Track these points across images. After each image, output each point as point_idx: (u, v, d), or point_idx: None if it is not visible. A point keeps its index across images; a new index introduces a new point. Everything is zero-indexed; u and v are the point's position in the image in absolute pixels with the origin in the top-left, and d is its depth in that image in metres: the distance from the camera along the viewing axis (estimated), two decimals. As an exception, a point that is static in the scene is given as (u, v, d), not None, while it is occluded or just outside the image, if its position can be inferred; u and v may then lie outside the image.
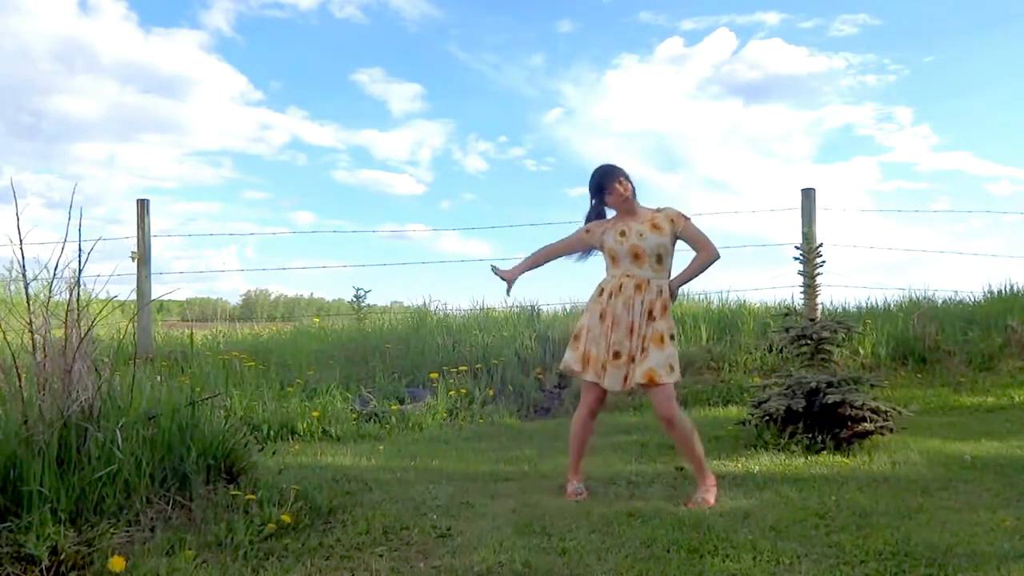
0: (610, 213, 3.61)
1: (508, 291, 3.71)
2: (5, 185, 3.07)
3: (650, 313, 3.34)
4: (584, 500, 3.36)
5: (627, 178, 3.49)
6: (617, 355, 3.35)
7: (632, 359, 3.34)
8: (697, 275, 3.49)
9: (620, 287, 3.39)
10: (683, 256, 3.51)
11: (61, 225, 3.22)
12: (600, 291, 3.47)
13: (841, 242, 8.12)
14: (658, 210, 3.50)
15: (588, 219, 3.63)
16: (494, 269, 3.73)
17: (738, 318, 7.69)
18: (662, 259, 3.41)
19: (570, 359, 3.47)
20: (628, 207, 3.48)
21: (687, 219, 3.47)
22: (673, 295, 3.45)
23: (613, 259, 3.46)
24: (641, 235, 3.40)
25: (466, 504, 3.27)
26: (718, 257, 3.46)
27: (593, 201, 3.58)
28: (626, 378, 3.36)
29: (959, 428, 5.05)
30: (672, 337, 3.37)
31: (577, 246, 3.64)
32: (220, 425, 3.20)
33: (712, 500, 3.27)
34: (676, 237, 3.45)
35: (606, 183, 3.47)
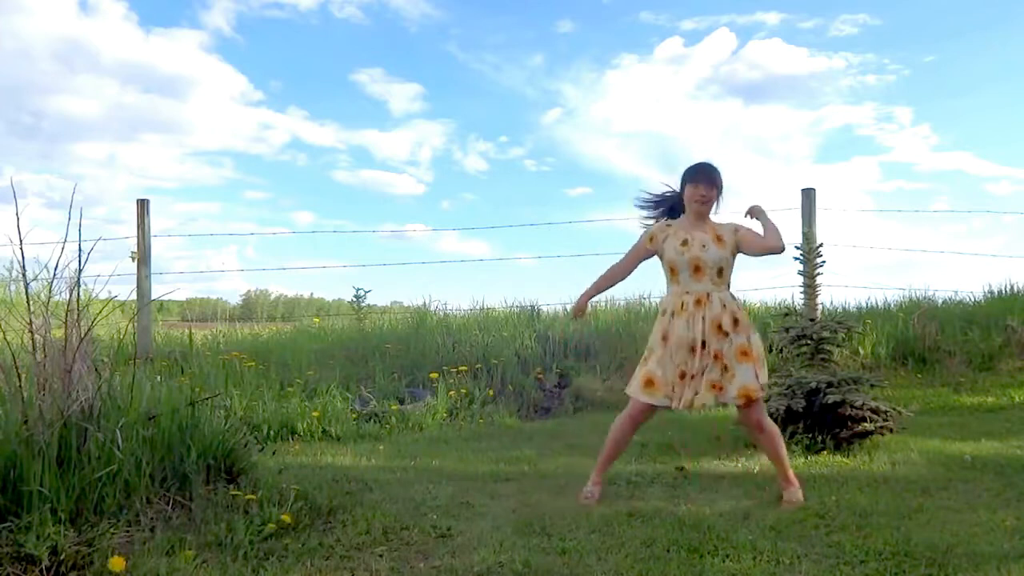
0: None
1: (578, 317, 3.59)
2: (5, 185, 3.08)
3: (719, 327, 3.18)
4: (590, 503, 3.30)
5: (711, 185, 3.31)
6: (683, 375, 3.20)
7: (695, 377, 3.18)
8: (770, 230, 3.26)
9: (682, 305, 3.23)
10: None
11: (61, 225, 3.22)
12: (662, 311, 3.31)
13: (841, 242, 8.13)
14: (720, 224, 3.34)
15: (656, 205, 3.44)
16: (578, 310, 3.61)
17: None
18: (723, 272, 3.25)
19: (634, 384, 3.30)
20: (704, 214, 3.32)
21: (742, 226, 3.33)
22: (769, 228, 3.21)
23: (672, 271, 3.29)
24: (704, 247, 3.23)
25: (466, 504, 3.27)
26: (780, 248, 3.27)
27: (679, 193, 3.36)
28: (693, 397, 3.18)
29: (959, 428, 5.05)
30: (756, 348, 3.21)
31: (642, 256, 3.41)
32: (220, 425, 3.21)
33: (803, 497, 3.24)
34: (737, 248, 3.29)
35: (721, 182, 3.30)
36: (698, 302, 3.21)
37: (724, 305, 3.22)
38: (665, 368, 3.22)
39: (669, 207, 3.47)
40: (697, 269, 3.23)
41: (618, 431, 3.39)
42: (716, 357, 3.18)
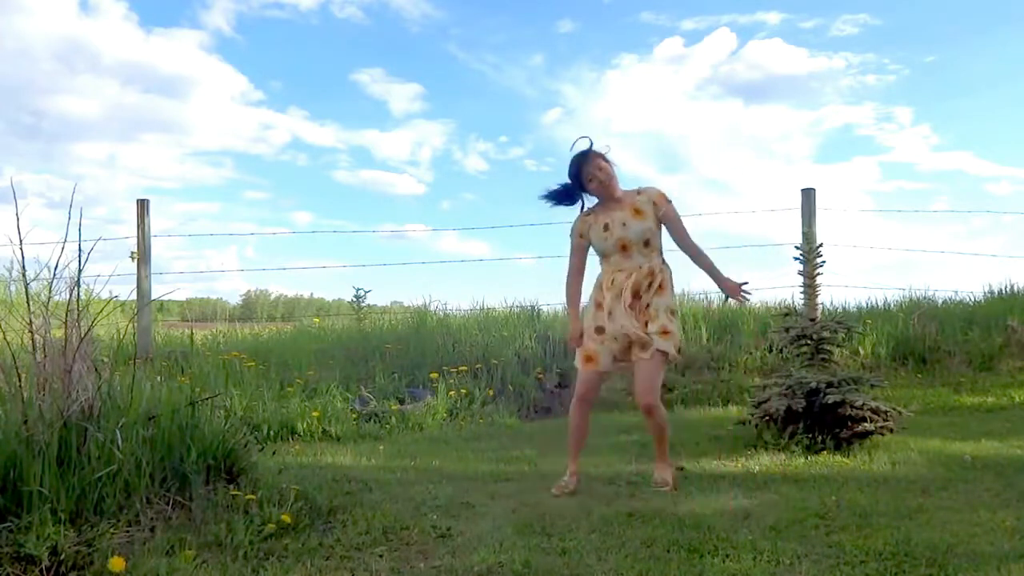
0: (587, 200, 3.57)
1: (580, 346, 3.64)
2: (5, 185, 3.07)
3: (636, 293, 3.34)
4: (570, 495, 3.40)
5: (606, 159, 3.43)
6: (600, 330, 3.39)
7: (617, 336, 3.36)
8: (715, 270, 3.47)
9: (612, 281, 3.40)
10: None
11: (61, 225, 3.21)
12: (597, 286, 3.49)
13: (841, 242, 8.13)
14: (639, 192, 3.45)
15: (555, 197, 3.54)
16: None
17: (738, 318, 7.70)
18: (650, 242, 3.39)
19: (576, 359, 3.53)
20: (610, 192, 3.42)
21: (669, 202, 3.44)
22: (734, 290, 3.40)
23: (603, 255, 3.47)
24: (624, 224, 3.37)
25: (466, 504, 3.27)
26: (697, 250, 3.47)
27: (573, 189, 3.51)
28: (614, 357, 3.39)
29: (959, 428, 5.05)
30: (673, 312, 3.38)
31: (584, 250, 3.58)
32: (220, 425, 3.20)
33: (670, 480, 3.45)
34: (660, 221, 3.42)
35: (585, 168, 3.41)
36: (629, 275, 3.37)
37: (650, 272, 3.36)
38: (593, 337, 3.42)
39: (571, 198, 3.56)
40: (624, 248, 3.38)
41: (572, 415, 3.57)
42: (629, 347, 3.38)
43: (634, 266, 3.36)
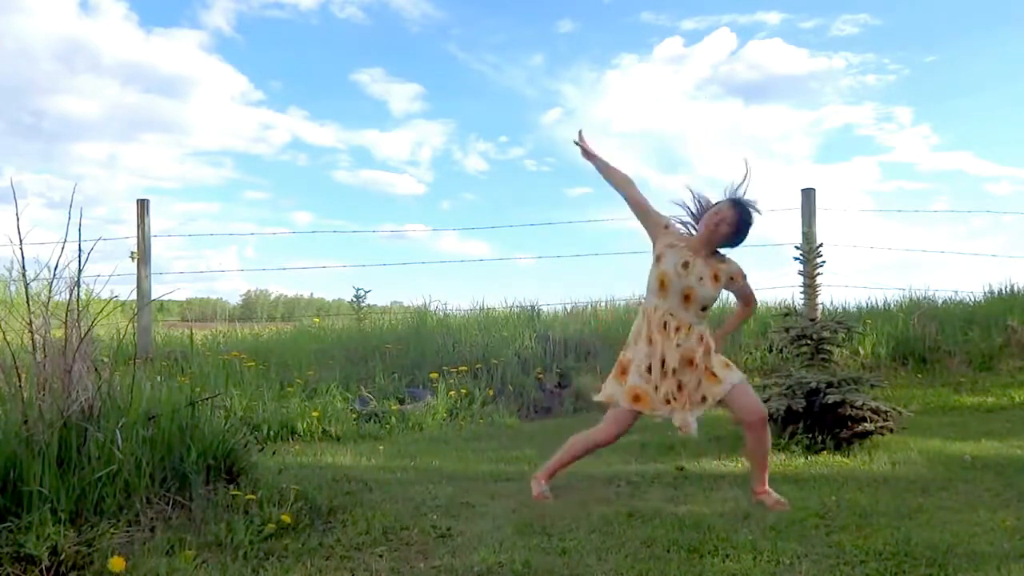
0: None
1: (579, 140, 3.43)
2: (5, 185, 3.07)
3: (691, 362, 3.19)
4: (551, 501, 3.29)
5: (736, 228, 3.25)
6: (650, 369, 3.22)
7: (671, 401, 3.21)
8: (737, 328, 3.46)
9: (664, 325, 3.21)
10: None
11: (61, 225, 3.22)
12: (647, 321, 3.26)
13: (841, 242, 8.13)
14: (723, 261, 3.28)
15: (694, 214, 3.35)
16: (581, 145, 3.40)
17: (738, 318, 7.69)
18: (706, 309, 3.27)
19: (616, 393, 3.28)
20: (712, 246, 3.26)
21: (744, 278, 3.33)
22: (718, 346, 3.30)
23: (662, 285, 3.22)
24: (701, 279, 3.19)
25: (466, 504, 3.27)
26: (754, 312, 3.45)
27: (709, 210, 3.28)
28: (683, 415, 3.21)
29: (959, 428, 5.05)
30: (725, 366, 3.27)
31: (651, 218, 3.34)
32: (220, 425, 3.20)
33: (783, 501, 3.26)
34: (728, 289, 3.35)
35: (720, 211, 3.22)
36: (677, 328, 3.20)
37: (701, 339, 3.22)
38: (647, 380, 3.22)
39: (692, 218, 3.40)
40: (687, 299, 3.20)
41: (590, 444, 3.38)
42: (680, 388, 3.20)
43: (684, 322, 3.20)
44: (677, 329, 3.20)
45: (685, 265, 3.20)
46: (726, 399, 3.24)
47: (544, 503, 3.30)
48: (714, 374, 3.23)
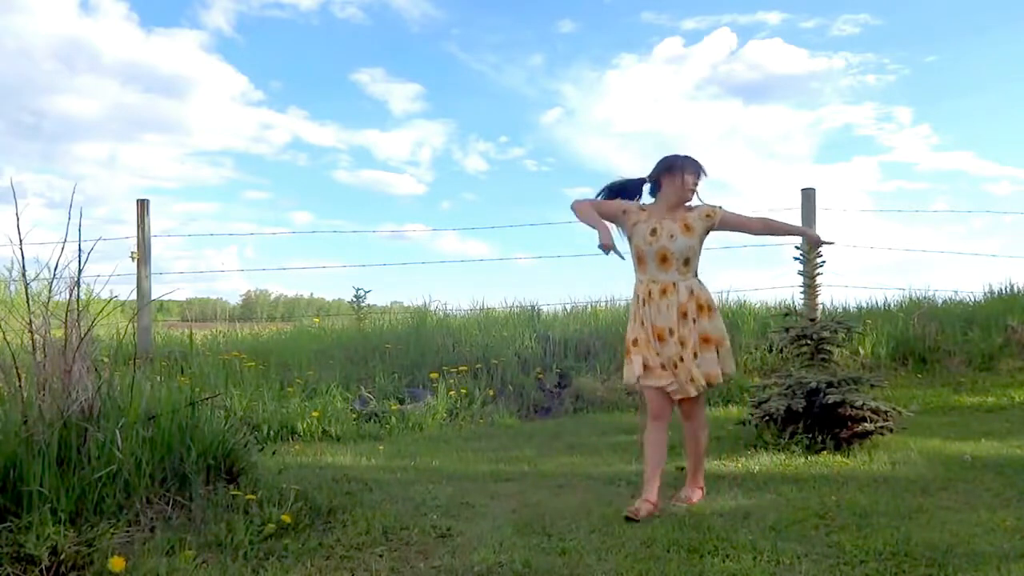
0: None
1: (608, 249, 3.31)
2: (5, 185, 3.07)
3: (684, 315, 3.21)
4: (638, 516, 3.06)
5: (699, 176, 3.32)
6: (663, 366, 3.23)
7: (676, 365, 3.20)
8: (791, 231, 3.69)
9: (649, 293, 3.25)
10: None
11: (61, 225, 3.22)
12: (636, 297, 3.33)
13: (841, 242, 8.12)
14: (690, 208, 3.33)
15: (611, 192, 3.44)
16: (605, 248, 3.31)
17: (738, 318, 7.69)
18: (689, 262, 3.27)
19: (627, 372, 3.32)
20: (677, 204, 3.31)
21: (720, 208, 3.34)
22: (807, 234, 3.84)
23: (639, 260, 3.30)
24: (672, 236, 3.23)
25: (466, 504, 3.27)
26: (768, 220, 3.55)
27: (646, 182, 3.39)
28: (687, 384, 3.21)
29: (959, 428, 5.05)
30: (717, 333, 3.27)
31: (608, 209, 3.37)
32: (220, 425, 3.20)
33: (695, 500, 3.31)
34: (708, 232, 3.32)
35: (690, 176, 3.29)
36: (663, 291, 3.25)
37: (691, 292, 3.25)
38: (651, 353, 3.25)
39: (634, 193, 3.46)
40: (664, 259, 3.25)
41: (649, 440, 3.34)
42: (682, 344, 3.21)
43: (669, 281, 3.24)
44: (663, 292, 3.24)
45: (653, 232, 3.27)
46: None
47: (547, 502, 3.30)
48: (707, 339, 3.25)
